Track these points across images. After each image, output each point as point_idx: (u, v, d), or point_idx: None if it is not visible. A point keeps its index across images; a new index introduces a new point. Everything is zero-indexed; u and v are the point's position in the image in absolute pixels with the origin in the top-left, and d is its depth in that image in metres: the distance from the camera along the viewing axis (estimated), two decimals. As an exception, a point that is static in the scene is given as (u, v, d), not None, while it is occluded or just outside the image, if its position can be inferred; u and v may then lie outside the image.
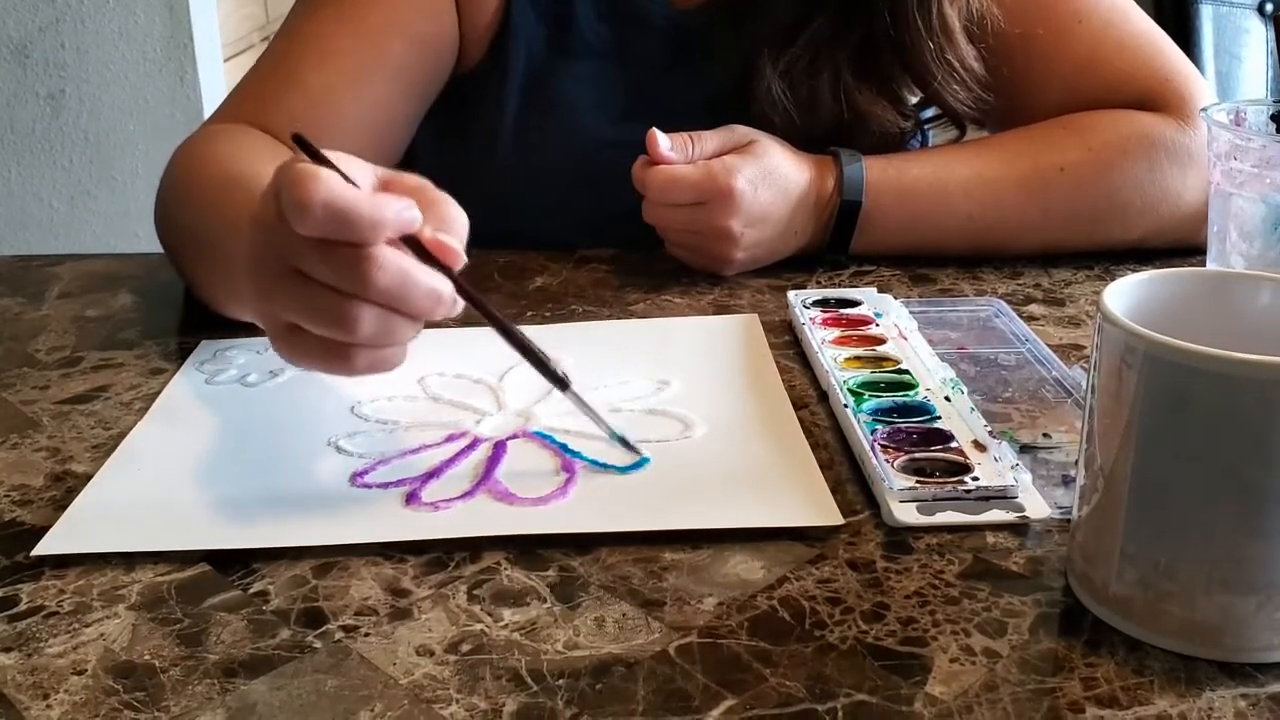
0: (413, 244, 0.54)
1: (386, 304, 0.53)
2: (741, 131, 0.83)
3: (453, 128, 0.93)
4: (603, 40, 0.90)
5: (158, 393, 0.68)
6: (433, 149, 0.94)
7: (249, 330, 0.76)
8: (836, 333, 0.72)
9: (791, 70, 0.85)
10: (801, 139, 0.85)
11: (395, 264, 0.52)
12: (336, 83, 0.84)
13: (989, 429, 0.59)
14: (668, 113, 0.84)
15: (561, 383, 0.59)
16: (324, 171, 0.52)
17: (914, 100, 0.92)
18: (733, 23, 0.88)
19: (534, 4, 0.89)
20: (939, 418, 0.61)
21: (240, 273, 0.58)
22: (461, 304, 0.56)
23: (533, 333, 0.75)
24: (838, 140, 0.87)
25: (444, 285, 0.54)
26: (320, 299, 0.53)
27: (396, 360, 0.57)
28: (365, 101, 0.86)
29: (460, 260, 0.55)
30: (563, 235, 0.91)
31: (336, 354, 0.55)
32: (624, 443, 0.60)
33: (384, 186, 0.56)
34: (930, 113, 0.93)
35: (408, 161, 0.94)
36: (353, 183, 0.53)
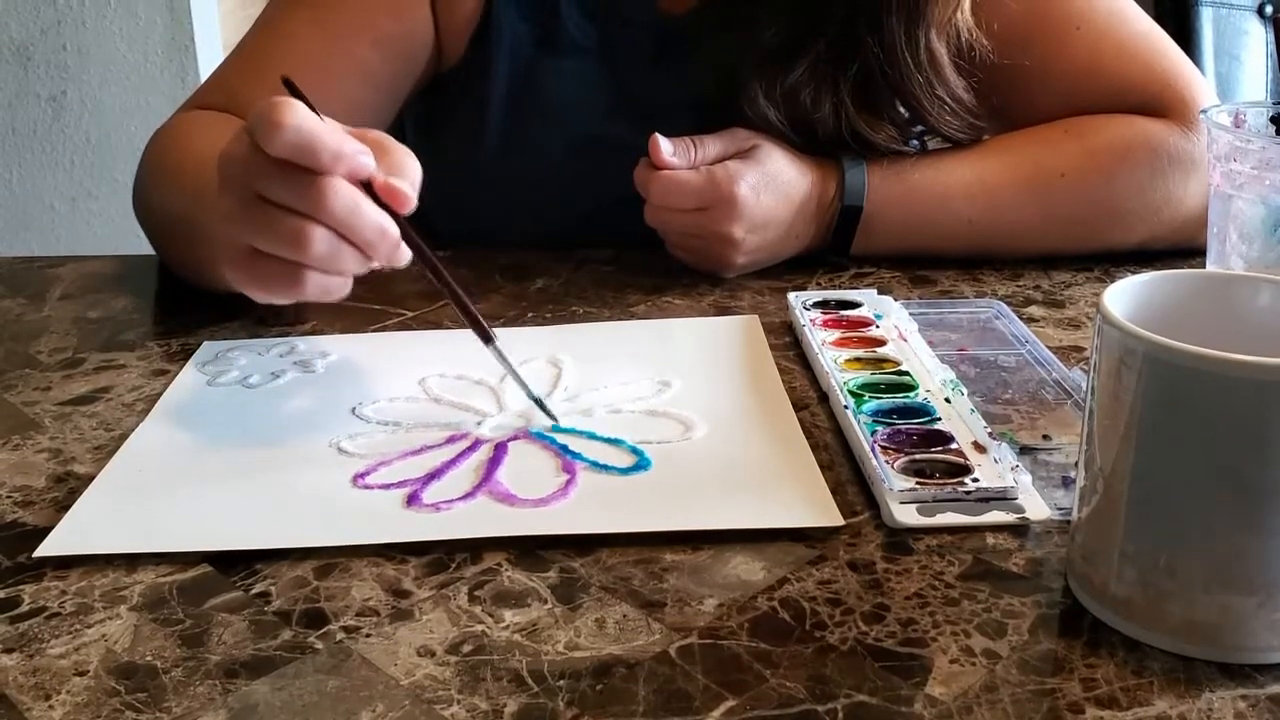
0: (368, 191, 0.60)
1: (337, 228, 0.59)
2: (743, 135, 0.83)
3: (436, 125, 0.94)
4: (588, 38, 0.90)
5: (159, 394, 0.68)
6: (416, 146, 0.95)
7: (250, 331, 0.77)
8: (837, 334, 0.72)
9: (791, 99, 0.85)
10: (800, 147, 0.85)
11: (348, 192, 0.58)
12: (302, 81, 0.86)
13: (989, 430, 0.60)
14: (652, 112, 0.84)
15: (487, 337, 0.63)
16: (298, 103, 0.58)
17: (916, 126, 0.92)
18: (719, 28, 0.88)
19: (517, 2, 0.89)
20: (939, 419, 0.61)
21: (207, 209, 0.64)
22: (408, 255, 0.61)
23: (534, 333, 0.76)
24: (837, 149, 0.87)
25: (391, 225, 0.60)
26: (278, 220, 0.59)
27: (342, 290, 0.62)
28: (330, 102, 0.87)
29: (408, 205, 0.61)
30: (545, 232, 0.91)
31: (288, 277, 0.60)
32: (541, 406, 0.63)
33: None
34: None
35: None
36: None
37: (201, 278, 0.78)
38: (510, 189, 0.92)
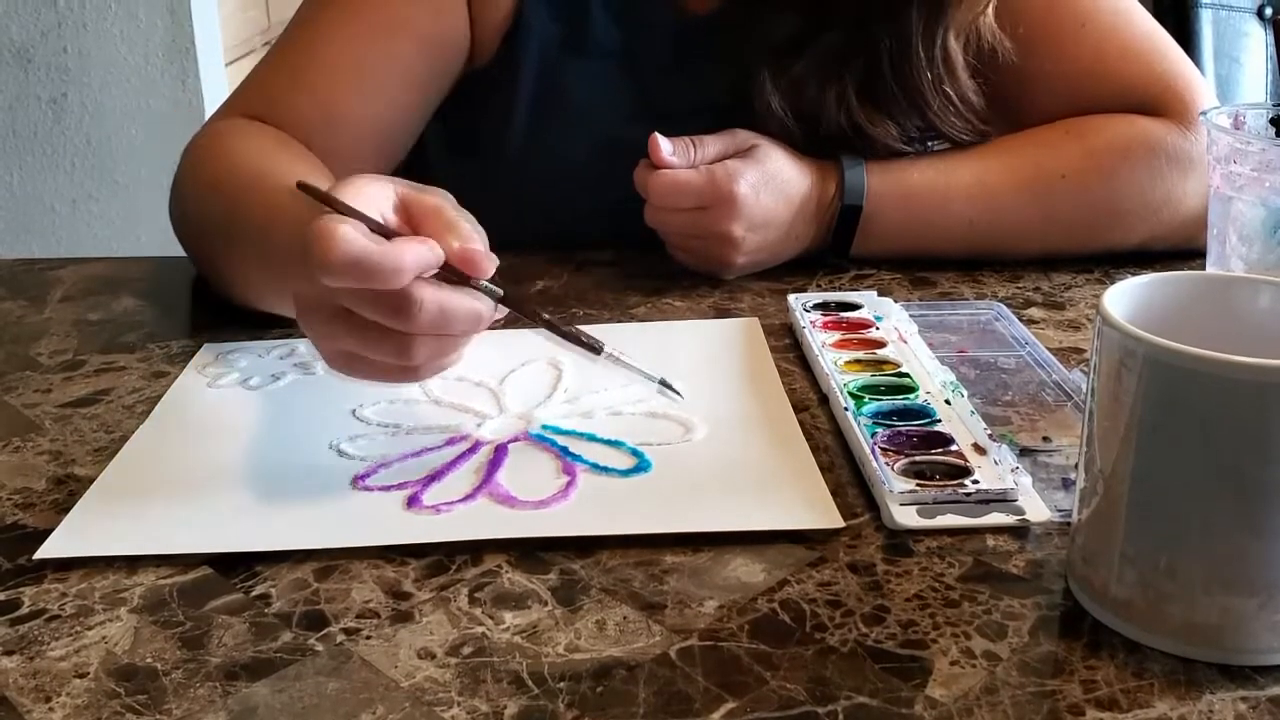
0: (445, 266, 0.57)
1: (434, 333, 0.57)
2: (744, 136, 0.83)
3: (463, 125, 0.94)
4: (613, 40, 0.90)
5: (160, 396, 0.68)
6: (442, 146, 0.95)
7: (251, 333, 0.77)
8: (837, 336, 0.72)
9: (797, 87, 0.85)
10: (801, 146, 0.85)
11: (433, 300, 0.55)
12: (343, 82, 0.84)
13: (989, 432, 0.60)
14: (670, 115, 0.84)
15: (594, 349, 0.63)
16: (341, 227, 0.54)
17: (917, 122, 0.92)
18: (739, 29, 0.88)
19: (548, 3, 0.89)
20: (939, 421, 0.61)
21: (288, 299, 0.60)
22: (503, 310, 0.60)
23: (534, 335, 0.76)
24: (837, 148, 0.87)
25: (482, 304, 0.58)
26: (374, 332, 0.56)
27: (457, 360, 0.60)
28: (372, 101, 0.86)
29: (489, 267, 0.58)
30: (567, 234, 0.91)
31: (398, 374, 0.59)
32: (667, 386, 0.65)
33: (403, 207, 0.59)
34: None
35: (418, 158, 0.94)
36: (369, 220, 0.56)
37: (253, 294, 0.76)
38: (533, 190, 0.92)
